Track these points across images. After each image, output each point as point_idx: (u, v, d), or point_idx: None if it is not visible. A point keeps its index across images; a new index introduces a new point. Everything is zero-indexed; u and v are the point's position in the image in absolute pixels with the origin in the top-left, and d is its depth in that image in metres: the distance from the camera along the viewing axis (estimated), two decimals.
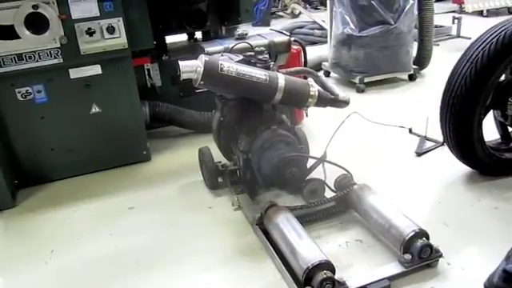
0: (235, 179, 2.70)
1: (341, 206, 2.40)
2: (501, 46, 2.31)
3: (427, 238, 1.97)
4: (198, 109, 3.50)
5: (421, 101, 3.96)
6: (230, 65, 2.32)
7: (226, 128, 2.66)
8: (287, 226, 2.08)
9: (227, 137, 2.68)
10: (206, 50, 3.02)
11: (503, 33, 2.32)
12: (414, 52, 4.62)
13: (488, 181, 2.64)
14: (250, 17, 3.61)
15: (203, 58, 2.29)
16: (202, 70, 2.26)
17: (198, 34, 3.86)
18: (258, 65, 2.48)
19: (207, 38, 3.74)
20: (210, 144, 2.83)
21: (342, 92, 2.59)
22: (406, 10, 4.28)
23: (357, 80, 4.43)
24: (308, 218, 2.34)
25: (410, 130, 3.38)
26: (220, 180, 2.79)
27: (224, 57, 2.53)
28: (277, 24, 7.94)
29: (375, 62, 4.40)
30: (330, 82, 2.71)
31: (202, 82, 2.29)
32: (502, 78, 2.50)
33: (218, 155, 2.80)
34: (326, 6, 6.13)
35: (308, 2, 9.94)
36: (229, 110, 2.60)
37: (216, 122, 2.70)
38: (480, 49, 2.36)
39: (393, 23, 4.25)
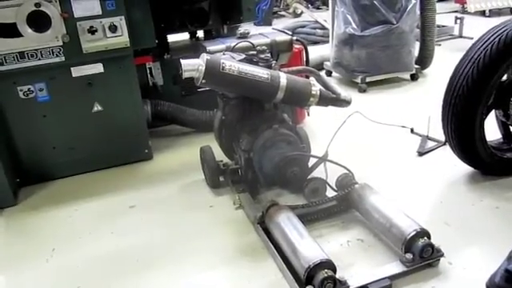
0: (236, 178, 2.69)
1: (342, 205, 2.40)
2: (503, 45, 2.31)
3: (429, 237, 1.97)
4: (200, 107, 3.50)
5: (423, 100, 3.96)
6: (232, 64, 2.32)
7: (227, 127, 2.66)
8: (288, 225, 2.08)
9: (229, 136, 2.68)
10: (207, 48, 3.01)
11: (505, 33, 2.31)
12: (415, 52, 4.61)
13: (490, 180, 2.64)
14: (252, 16, 3.61)
15: (205, 56, 2.29)
16: (204, 68, 2.26)
17: (200, 33, 3.86)
18: (260, 64, 2.48)
19: (209, 36, 3.73)
20: (211, 143, 2.83)
21: (343, 91, 2.59)
22: (408, 9, 4.27)
23: (359, 80, 4.43)
24: (309, 217, 2.33)
25: (412, 130, 3.37)
26: (221, 179, 2.79)
27: (226, 56, 2.53)
28: (279, 23, 7.93)
29: (377, 62, 4.39)
30: (332, 82, 2.71)
31: (203, 81, 2.29)
32: (504, 77, 2.49)
33: (219, 154, 2.80)
34: (327, 6, 6.15)
35: (310, 1, 9.93)
36: (230, 109, 2.60)
37: (218, 120, 2.70)
38: (482, 49, 2.35)
39: (395, 23, 4.24)
